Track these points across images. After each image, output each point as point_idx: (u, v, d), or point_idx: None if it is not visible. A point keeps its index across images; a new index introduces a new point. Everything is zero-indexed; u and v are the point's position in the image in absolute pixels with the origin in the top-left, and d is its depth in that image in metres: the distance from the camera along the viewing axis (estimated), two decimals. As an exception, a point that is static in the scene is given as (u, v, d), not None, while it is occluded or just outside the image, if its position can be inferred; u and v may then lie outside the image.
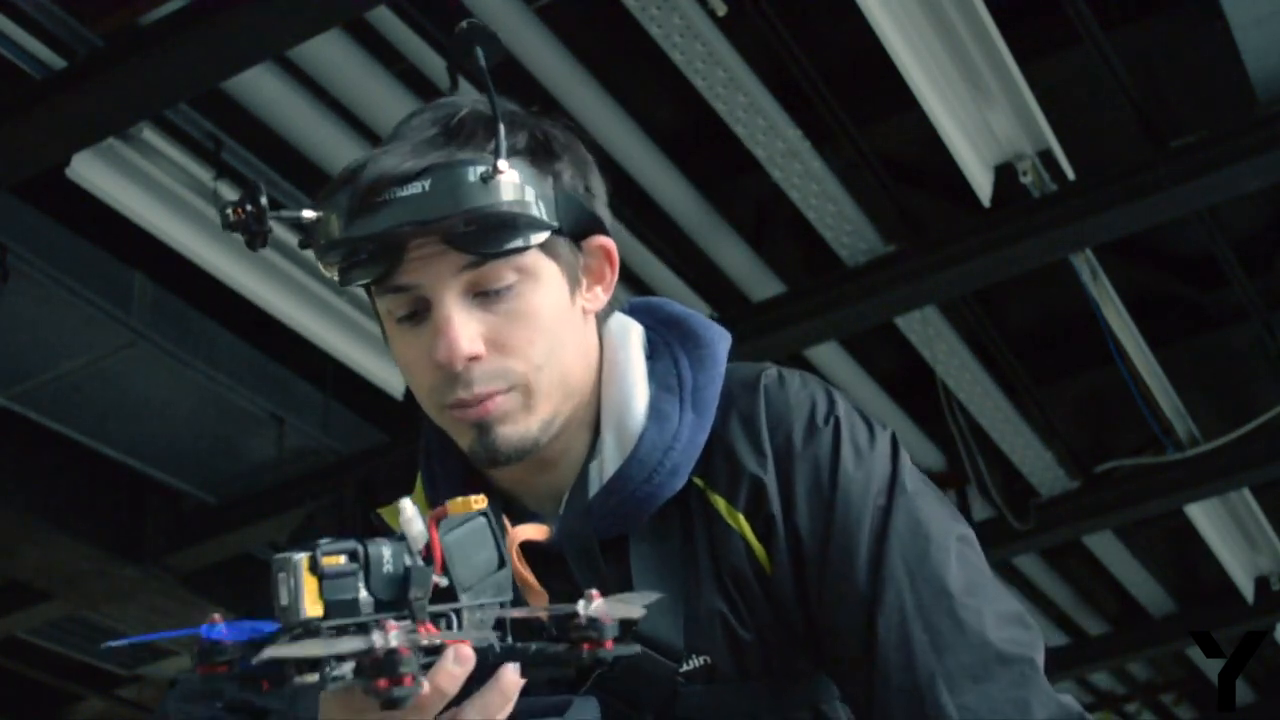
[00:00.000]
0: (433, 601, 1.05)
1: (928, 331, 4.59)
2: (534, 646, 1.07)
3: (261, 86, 3.52)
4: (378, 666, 0.96)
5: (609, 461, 1.31)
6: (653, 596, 1.09)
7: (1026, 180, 3.87)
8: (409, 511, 1.05)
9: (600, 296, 1.35)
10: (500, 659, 1.06)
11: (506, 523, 1.31)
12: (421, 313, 1.27)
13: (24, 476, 4.52)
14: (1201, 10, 3.76)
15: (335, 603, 1.00)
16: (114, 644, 1.07)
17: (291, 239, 4.07)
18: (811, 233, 4.18)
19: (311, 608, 0.99)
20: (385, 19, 3.51)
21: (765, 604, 1.28)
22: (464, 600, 1.07)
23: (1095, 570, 6.46)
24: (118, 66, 3.17)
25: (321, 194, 1.27)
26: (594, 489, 1.31)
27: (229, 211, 1.23)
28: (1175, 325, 5.01)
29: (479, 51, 1.26)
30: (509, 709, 1.08)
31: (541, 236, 1.25)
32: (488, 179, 1.21)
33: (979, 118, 3.75)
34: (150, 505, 4.82)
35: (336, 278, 1.28)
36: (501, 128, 1.23)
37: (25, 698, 6.30)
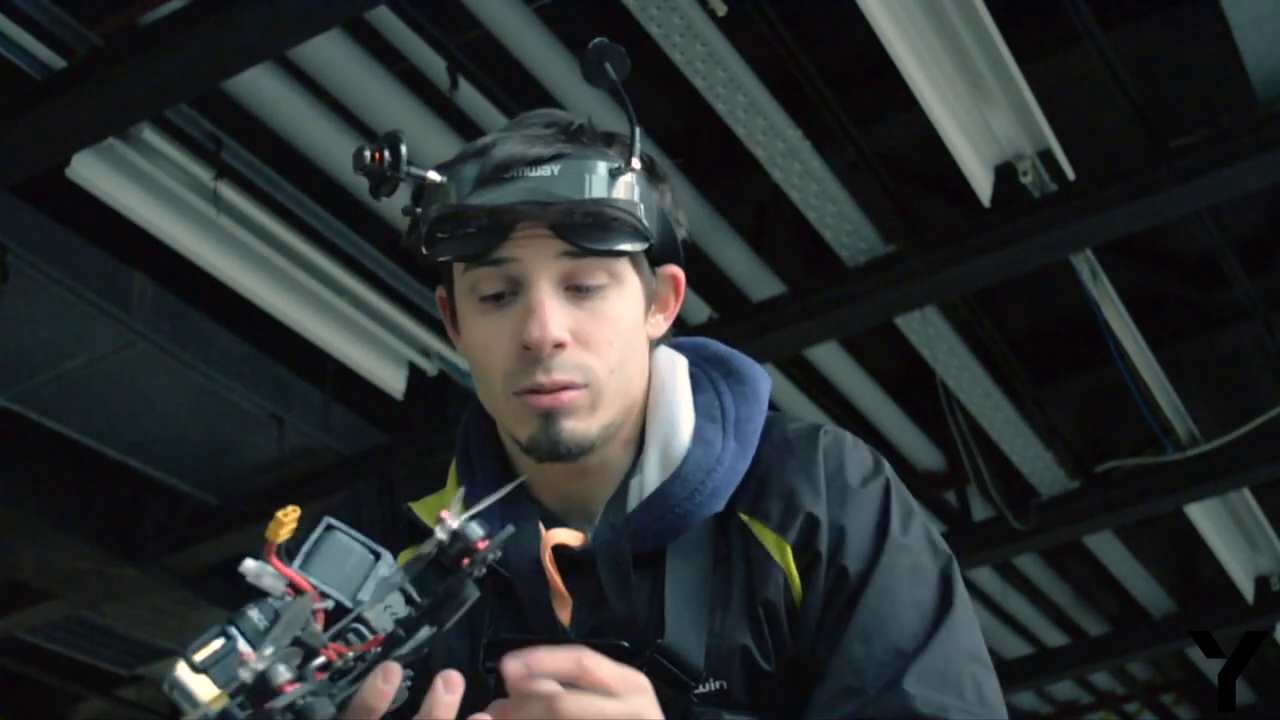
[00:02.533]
0: (334, 620, 1.07)
1: (928, 331, 4.59)
2: (426, 600, 1.08)
3: (261, 86, 3.52)
4: (258, 691, 0.99)
5: (650, 479, 1.34)
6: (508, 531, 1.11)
7: (1026, 180, 3.87)
8: (252, 569, 1.06)
9: (662, 325, 1.41)
10: (408, 628, 1.07)
11: (540, 526, 1.34)
12: (509, 295, 1.30)
13: (24, 476, 4.52)
14: (1201, 10, 3.76)
15: (229, 682, 1.01)
16: None
17: (293, 238, 4.09)
18: (811, 233, 4.18)
19: (212, 701, 1.01)
20: (385, 19, 3.52)
21: (791, 638, 1.31)
22: (360, 606, 1.08)
23: (1095, 570, 6.47)
24: (118, 66, 3.17)
25: (444, 164, 1.31)
26: (633, 503, 1.34)
27: (367, 153, 1.26)
28: (1175, 325, 5.01)
29: (609, 66, 1.33)
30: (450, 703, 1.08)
31: (641, 246, 1.31)
32: (617, 175, 1.28)
33: (979, 118, 3.75)
34: (150, 505, 4.83)
35: (432, 248, 1.30)
36: (638, 130, 1.30)
37: (25, 698, 6.30)
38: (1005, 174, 3.89)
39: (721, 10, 3.40)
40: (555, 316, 1.28)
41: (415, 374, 4.46)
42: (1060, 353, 5.19)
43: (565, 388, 1.29)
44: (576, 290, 1.30)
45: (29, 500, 4.53)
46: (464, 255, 1.30)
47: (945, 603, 1.31)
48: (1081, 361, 5.16)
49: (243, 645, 1.03)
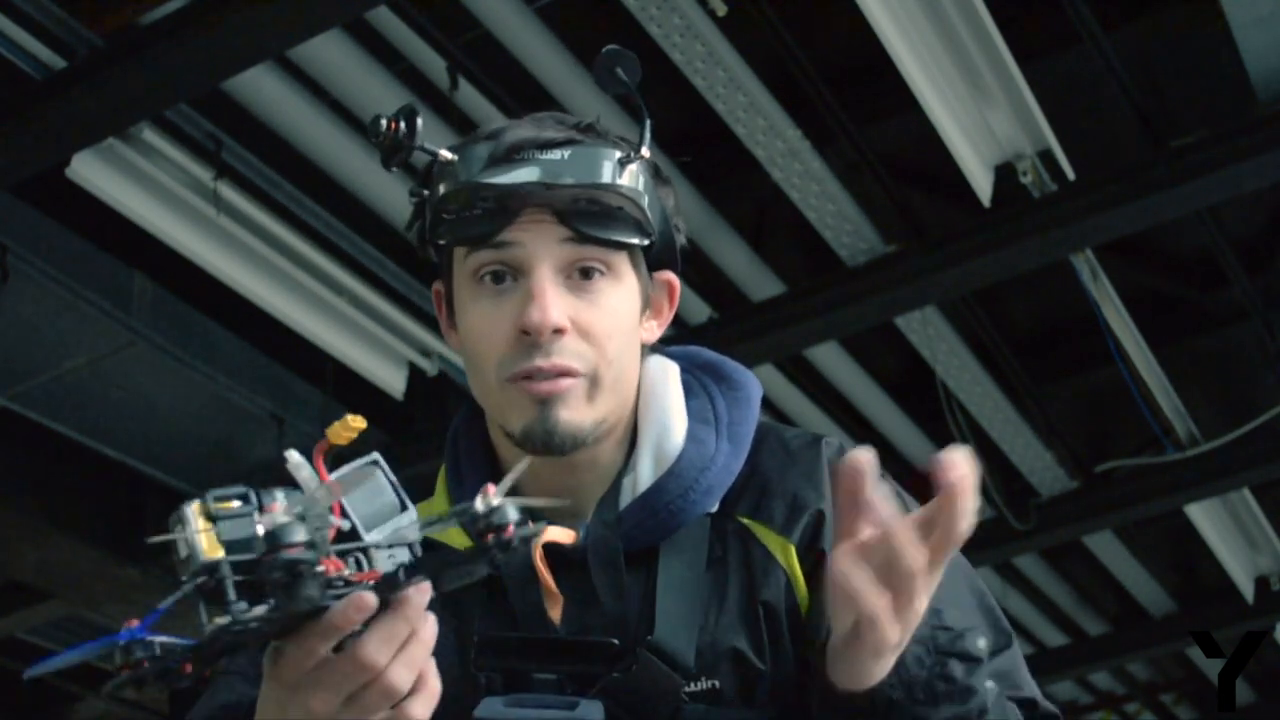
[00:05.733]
0: (340, 544, 1.05)
1: (928, 331, 4.59)
2: (440, 556, 1.07)
3: (261, 86, 3.52)
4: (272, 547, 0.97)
5: (643, 476, 1.35)
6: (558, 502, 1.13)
7: (1026, 180, 3.87)
8: (295, 459, 1.05)
9: (655, 331, 1.42)
10: (409, 575, 1.05)
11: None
12: (509, 279, 1.31)
13: (24, 476, 4.52)
14: (1201, 10, 3.77)
15: (233, 543, 1.00)
16: (37, 670, 1.07)
17: (293, 238, 4.09)
18: (811, 233, 4.18)
19: (210, 551, 0.99)
20: (385, 19, 3.52)
21: (790, 640, 1.31)
22: (369, 538, 1.07)
23: (1095, 570, 6.46)
24: (118, 66, 3.17)
25: (455, 145, 1.33)
26: (625, 501, 1.34)
27: (383, 122, 1.28)
28: (1175, 325, 5.01)
29: (619, 70, 1.36)
30: (422, 637, 1.07)
31: (642, 241, 1.34)
32: (625, 163, 1.31)
33: (979, 118, 3.75)
34: (150, 505, 4.82)
35: (437, 229, 1.32)
36: (649, 122, 1.32)
37: (25, 698, 6.30)
38: (1005, 174, 3.90)
39: (721, 10, 3.41)
40: (556, 302, 1.29)
41: (415, 374, 4.46)
42: (1060, 353, 5.19)
43: (564, 374, 1.29)
44: (577, 280, 1.31)
45: (29, 500, 4.53)
46: (468, 237, 1.31)
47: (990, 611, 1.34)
48: (1081, 361, 5.16)
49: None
